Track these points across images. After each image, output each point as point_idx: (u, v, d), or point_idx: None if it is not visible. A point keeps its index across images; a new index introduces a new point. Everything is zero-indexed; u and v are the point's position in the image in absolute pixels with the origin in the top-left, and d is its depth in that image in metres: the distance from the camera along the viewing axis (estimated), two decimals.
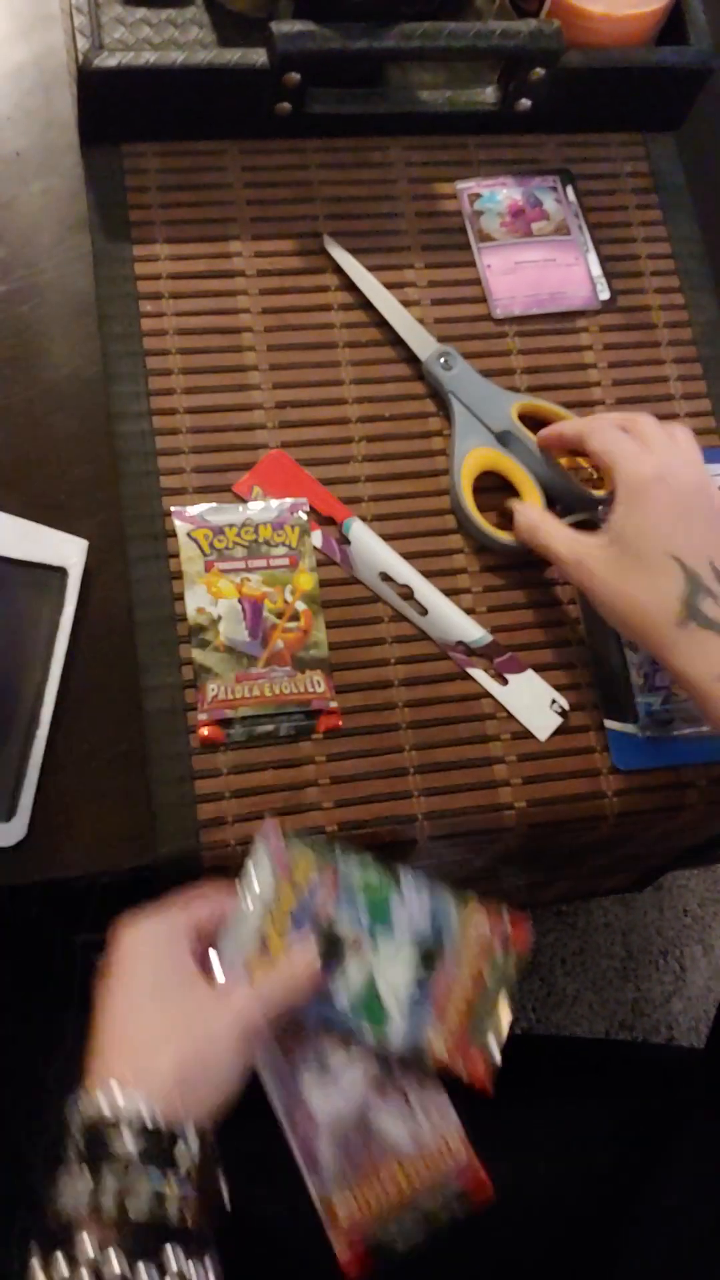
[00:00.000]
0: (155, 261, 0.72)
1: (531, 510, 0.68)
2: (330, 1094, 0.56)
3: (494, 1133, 0.73)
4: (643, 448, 0.63)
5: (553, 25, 0.73)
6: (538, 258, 0.78)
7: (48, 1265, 0.48)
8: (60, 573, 0.65)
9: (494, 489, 0.72)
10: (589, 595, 0.64)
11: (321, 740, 0.65)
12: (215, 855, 0.62)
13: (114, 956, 0.55)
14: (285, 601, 0.67)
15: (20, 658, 0.63)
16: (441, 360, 0.74)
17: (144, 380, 0.70)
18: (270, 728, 0.65)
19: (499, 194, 0.79)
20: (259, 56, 0.71)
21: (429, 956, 0.58)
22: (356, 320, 0.74)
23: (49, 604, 0.64)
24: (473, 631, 0.69)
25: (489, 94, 0.78)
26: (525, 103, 0.77)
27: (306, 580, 0.68)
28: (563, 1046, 0.95)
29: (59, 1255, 0.48)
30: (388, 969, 0.57)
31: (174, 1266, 0.48)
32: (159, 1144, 0.49)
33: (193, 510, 0.68)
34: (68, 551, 0.65)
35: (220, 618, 0.66)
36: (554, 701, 0.68)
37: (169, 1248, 0.48)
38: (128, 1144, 0.49)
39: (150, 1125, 0.49)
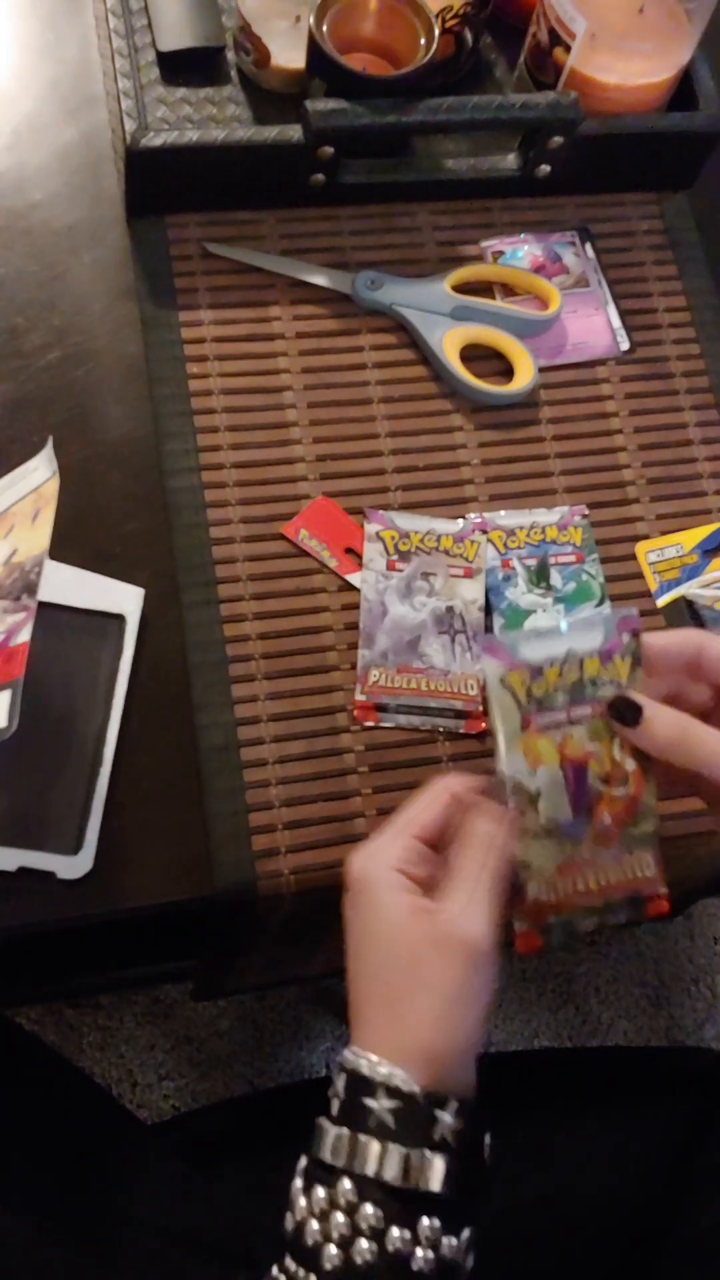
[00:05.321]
0: (200, 326, 0.77)
1: (671, 716, 0.54)
2: (402, 605, 0.71)
3: (535, 1147, 0.76)
4: None
5: (570, 96, 0.77)
6: None
7: (309, 1191, 0.50)
8: (119, 620, 0.69)
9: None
10: None
11: (368, 774, 0.69)
12: (269, 884, 0.65)
13: (350, 900, 0.54)
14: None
15: (83, 700, 0.67)
16: (369, 283, 0.78)
17: (192, 438, 0.74)
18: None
19: (521, 250, 0.83)
20: (294, 132, 0.75)
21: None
22: (390, 377, 0.78)
23: (109, 649, 0.68)
24: None
25: (510, 161, 0.82)
26: (545, 168, 0.81)
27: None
28: (603, 1060, 0.96)
29: (320, 1189, 0.50)
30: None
31: (427, 1234, 0.49)
32: (413, 1111, 0.50)
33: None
34: (125, 599, 0.69)
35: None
36: None
37: (423, 1216, 0.49)
38: (384, 1105, 0.50)
39: (405, 1090, 0.50)
